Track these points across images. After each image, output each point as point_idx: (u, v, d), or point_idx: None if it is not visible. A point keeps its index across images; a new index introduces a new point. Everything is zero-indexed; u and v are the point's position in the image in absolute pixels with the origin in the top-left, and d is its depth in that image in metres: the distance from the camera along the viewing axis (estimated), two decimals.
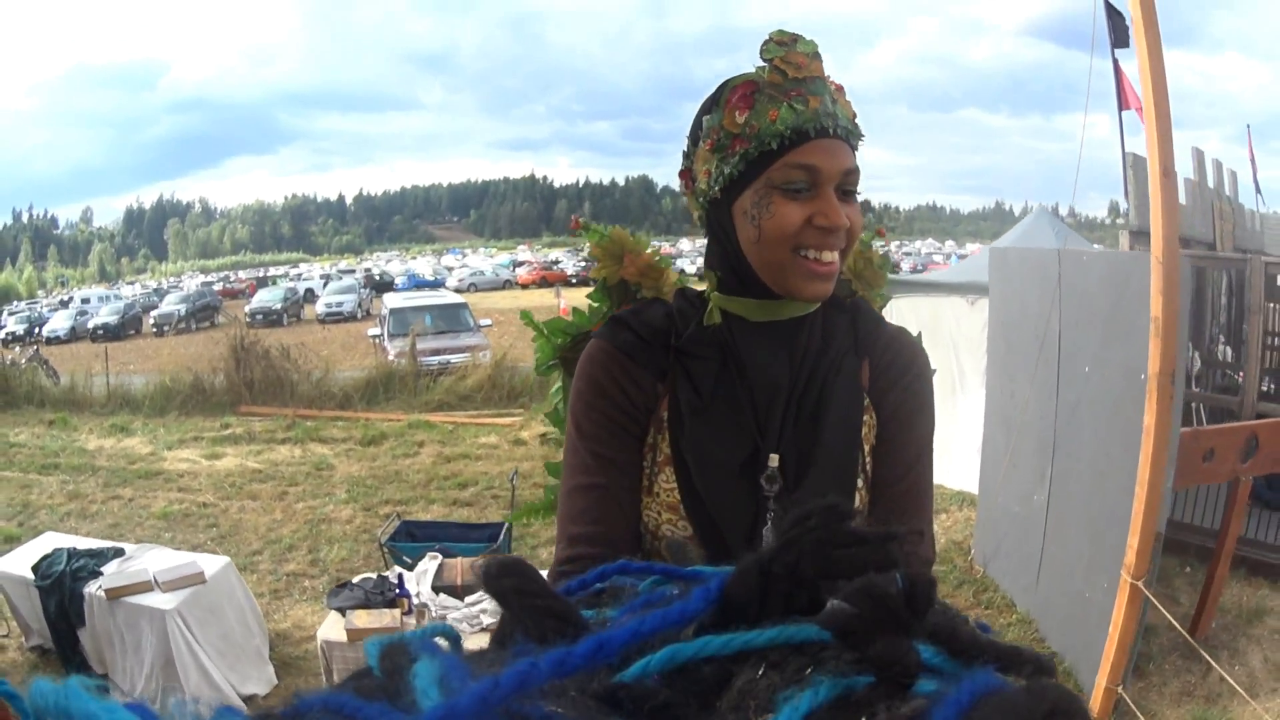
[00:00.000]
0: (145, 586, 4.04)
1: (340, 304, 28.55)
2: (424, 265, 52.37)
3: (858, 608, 0.35)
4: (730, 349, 1.19)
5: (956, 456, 6.36)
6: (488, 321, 16.02)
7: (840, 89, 1.15)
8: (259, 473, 8.43)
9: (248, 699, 4.20)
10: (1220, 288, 6.74)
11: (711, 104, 1.16)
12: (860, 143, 1.16)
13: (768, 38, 1.13)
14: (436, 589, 3.92)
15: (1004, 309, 5.35)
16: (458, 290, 34.15)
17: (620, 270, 1.56)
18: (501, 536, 5.29)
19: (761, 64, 1.13)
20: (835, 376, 1.20)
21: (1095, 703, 3.02)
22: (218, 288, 39.94)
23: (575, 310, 1.70)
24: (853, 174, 1.13)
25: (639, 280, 1.56)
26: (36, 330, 26.57)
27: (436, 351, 13.10)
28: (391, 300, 17.35)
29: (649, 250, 1.58)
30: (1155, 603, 3.03)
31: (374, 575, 4.13)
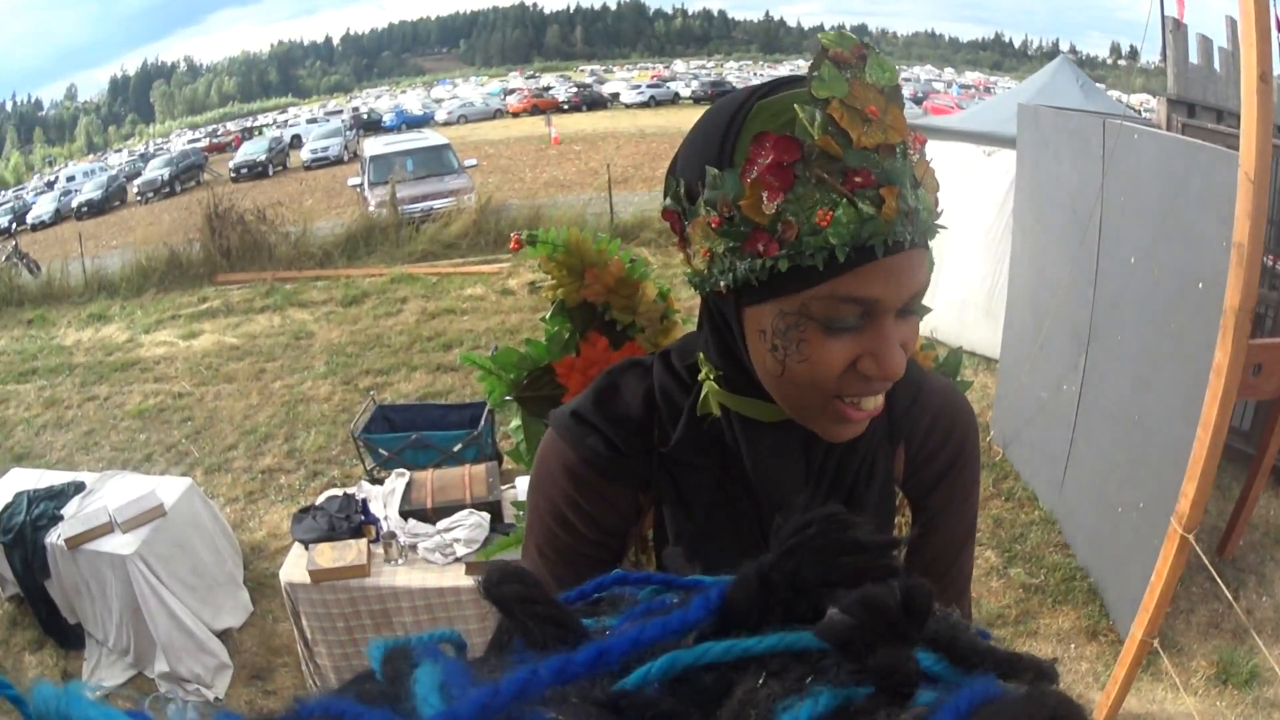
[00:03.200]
0: (104, 529, 3.77)
1: (326, 149, 27.60)
2: (413, 100, 50.68)
3: (856, 618, 0.33)
4: (731, 454, 0.93)
5: (969, 316, 6.03)
6: (472, 161, 15.34)
7: (922, 151, 0.78)
8: (236, 349, 8.08)
9: (223, 634, 4.00)
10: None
11: (720, 146, 0.78)
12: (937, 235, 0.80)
13: (820, 47, 0.73)
14: (405, 513, 3.55)
15: (1034, 175, 4.71)
16: (446, 124, 33.01)
17: (582, 289, 1.28)
18: (483, 420, 4.97)
19: (806, 104, 0.72)
20: (865, 482, 0.95)
21: (1128, 654, 2.71)
22: (203, 144, 38.89)
23: (528, 341, 1.38)
24: (919, 295, 0.80)
25: (607, 300, 1.29)
26: (20, 222, 25.93)
27: (419, 198, 12.48)
28: (371, 146, 16.58)
29: (616, 256, 1.30)
30: (1206, 561, 2.69)
31: (340, 494, 3.77)
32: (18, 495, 4.14)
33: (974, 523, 1.07)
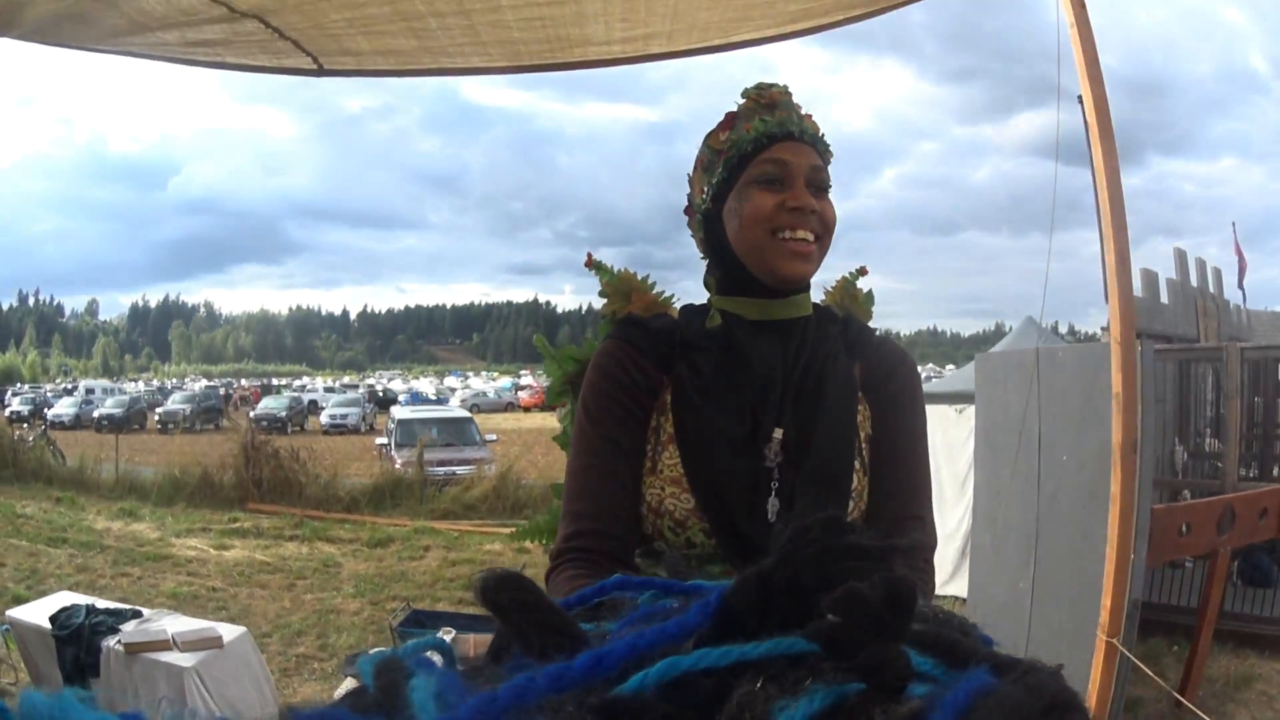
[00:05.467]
0: (164, 645, 4.05)
1: (345, 416, 28.67)
2: (426, 385, 52.58)
3: (840, 616, 0.36)
4: (731, 342, 1.32)
5: (948, 565, 6.57)
6: (493, 436, 16.27)
7: (809, 116, 1.36)
8: (267, 565, 8.52)
9: None
10: (1206, 383, 7.02)
11: (707, 138, 1.39)
12: (830, 157, 1.35)
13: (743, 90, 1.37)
14: None
15: (989, 412, 5.63)
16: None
17: (628, 305, 1.65)
18: None
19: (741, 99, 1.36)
20: (831, 365, 1.32)
21: None
22: (221, 392, 40.12)
23: (586, 340, 1.82)
24: (820, 171, 1.31)
25: (645, 314, 1.62)
26: (43, 411, 26.60)
27: (443, 463, 13.30)
28: (400, 412, 17.63)
29: (653, 292, 1.69)
30: (1133, 658, 3.15)
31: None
32: (75, 604, 4.42)
33: (923, 434, 1.40)
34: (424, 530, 10.29)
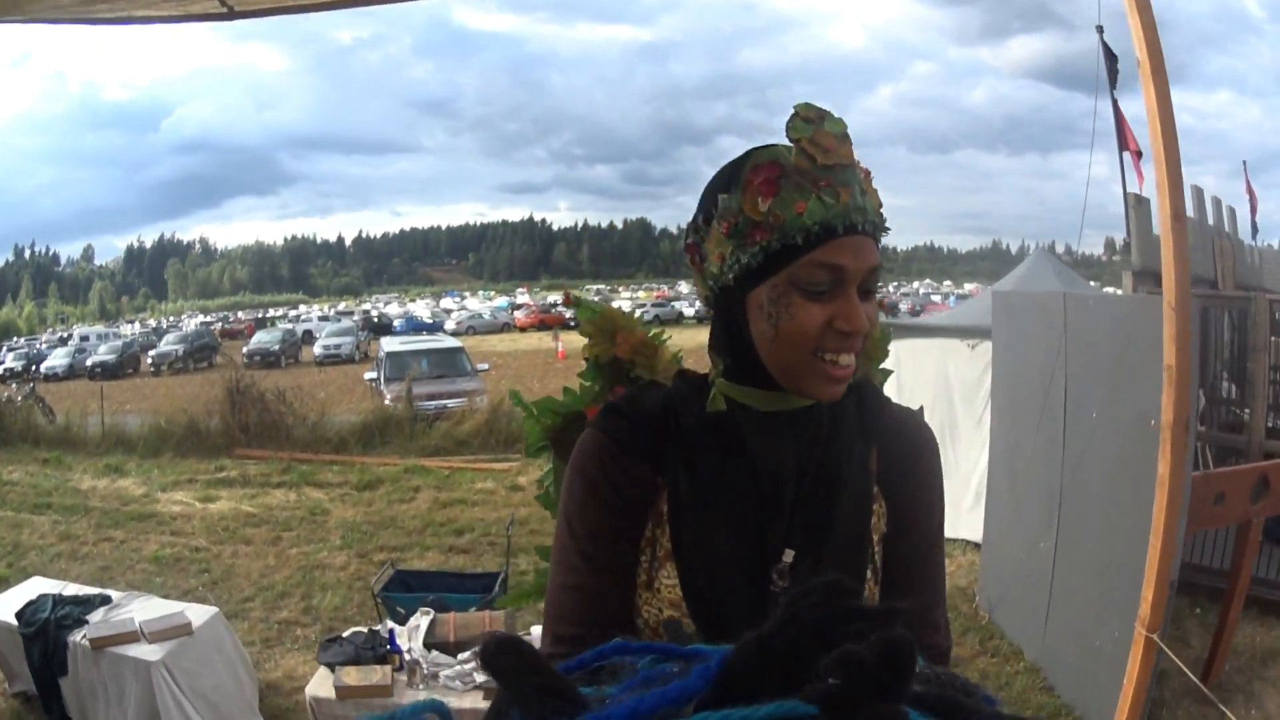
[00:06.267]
0: (131, 636, 3.94)
1: (338, 346, 28.55)
2: (422, 308, 52.35)
3: (838, 678, 0.34)
4: (735, 438, 1.14)
5: (956, 503, 6.30)
6: (485, 366, 16.05)
7: (868, 175, 1.11)
8: (253, 516, 8.39)
9: None
10: (1223, 325, 6.77)
11: (729, 180, 1.08)
12: (885, 235, 1.12)
13: (794, 112, 1.05)
14: (428, 645, 3.85)
15: (1008, 355, 5.32)
16: (455, 333, 34.17)
17: (613, 348, 1.51)
18: (497, 587, 5.22)
19: (787, 144, 1.06)
20: (846, 464, 1.15)
21: None
22: (216, 328, 39.98)
23: (566, 390, 1.64)
24: (876, 272, 1.08)
25: (632, 358, 1.51)
26: (35, 367, 26.46)
27: (433, 396, 13.12)
28: (388, 344, 17.38)
29: (641, 329, 1.55)
30: (1171, 655, 2.96)
31: (365, 629, 4.06)
32: (43, 595, 4.31)
33: (940, 533, 1.24)
34: (414, 470, 10.12)
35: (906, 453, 1.21)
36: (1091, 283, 8.21)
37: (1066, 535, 4.38)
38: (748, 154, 1.09)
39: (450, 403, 12.87)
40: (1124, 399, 3.77)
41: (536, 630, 3.89)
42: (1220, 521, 4.10)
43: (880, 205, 1.11)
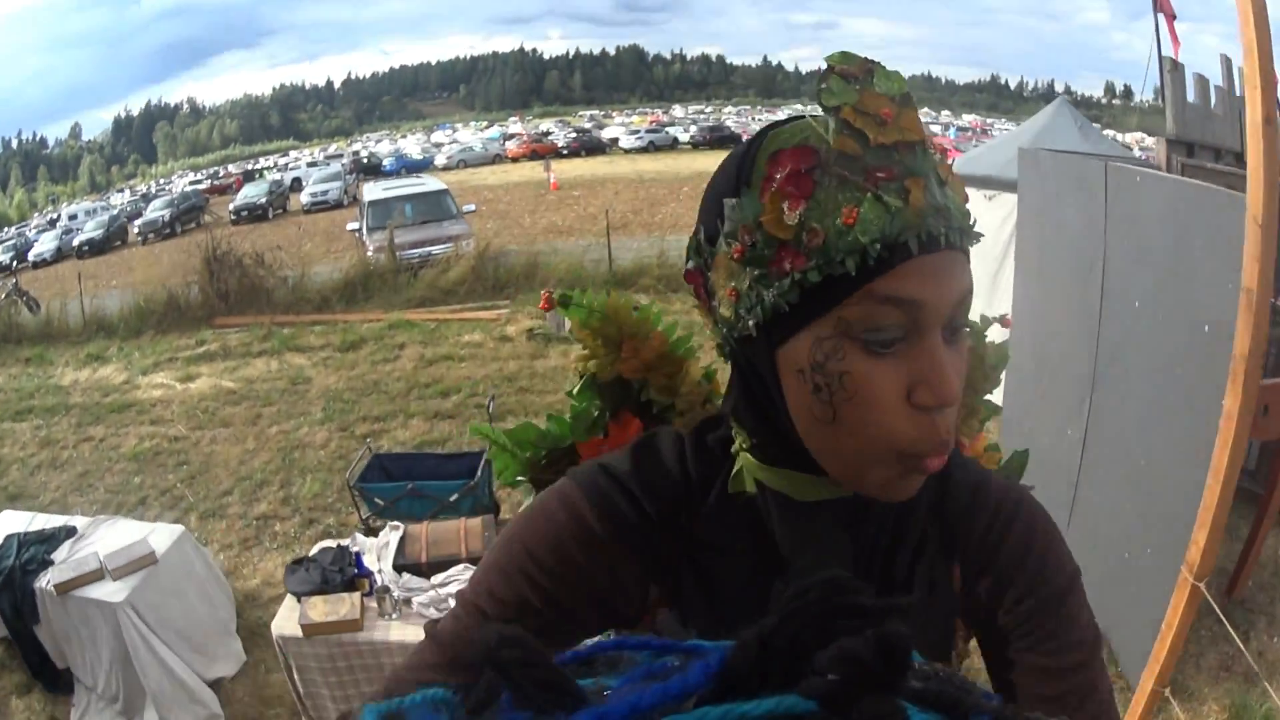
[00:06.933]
0: (95, 576, 3.75)
1: (325, 193, 27.71)
2: (413, 144, 51.03)
3: (834, 673, 0.33)
4: (766, 538, 0.80)
5: None
6: (471, 207, 15.39)
7: (945, 156, 0.72)
8: (232, 394, 8.08)
9: (215, 683, 3.96)
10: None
11: (739, 173, 0.72)
12: (977, 242, 0.73)
13: (825, 66, 0.69)
14: (399, 567, 3.55)
15: (1036, 220, 4.72)
16: (446, 168, 33.26)
17: (619, 364, 1.07)
18: (479, 470, 4.95)
19: (818, 113, 0.69)
20: (919, 582, 0.82)
21: (1139, 704, 2.67)
22: (205, 186, 39.11)
23: (551, 418, 1.20)
24: (967, 300, 0.71)
25: (645, 376, 1.08)
26: (22, 259, 25.94)
27: (417, 244, 12.54)
28: (370, 192, 16.67)
29: (659, 329, 1.09)
30: (1218, 609, 2.65)
31: (333, 545, 3.77)
32: (8, 538, 4.12)
33: (1095, 643, 0.86)
34: (399, 325, 9.71)
35: (1010, 566, 0.84)
36: (1095, 125, 7.58)
37: (1097, 428, 3.94)
38: (762, 133, 0.73)
39: (435, 249, 12.30)
40: (1172, 294, 3.25)
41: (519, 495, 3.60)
42: (1264, 434, 3.69)
43: (966, 199, 0.73)
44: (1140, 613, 3.30)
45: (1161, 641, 2.53)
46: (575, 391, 1.14)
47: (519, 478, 1.21)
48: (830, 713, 0.33)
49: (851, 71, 0.68)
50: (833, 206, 0.66)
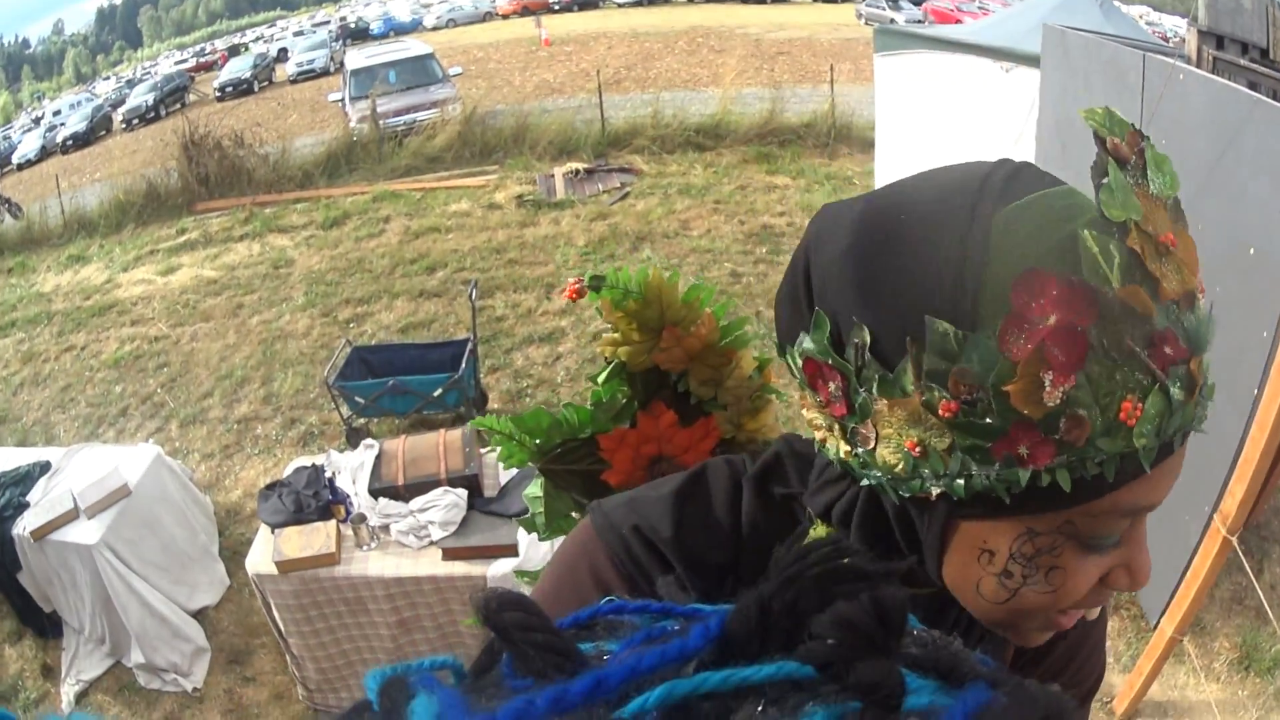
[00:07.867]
0: (69, 516, 3.63)
1: (311, 61, 26.87)
2: (401, 6, 49.38)
3: (831, 637, 0.34)
4: None
5: None
6: (457, 70, 14.65)
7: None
8: (214, 283, 7.74)
9: (199, 613, 3.83)
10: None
11: (956, 283, 0.51)
12: None
13: (1093, 132, 0.51)
14: (375, 491, 3.26)
15: (1061, 104, 4.22)
16: (435, 28, 32.05)
17: (656, 354, 0.94)
18: (464, 360, 4.63)
19: (1095, 229, 0.49)
20: None
21: (1156, 649, 2.55)
22: (190, 65, 38.09)
23: (569, 406, 1.05)
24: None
25: (685, 367, 0.96)
26: (6, 163, 25.32)
27: (401, 111, 11.92)
28: (353, 59, 15.93)
29: (709, 310, 0.94)
30: (1245, 563, 2.51)
31: (308, 466, 3.51)
32: None
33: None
34: (383, 197, 9.21)
35: (1059, 660, 0.79)
36: (1115, 2, 6.91)
37: None
38: (988, 214, 0.52)
39: (421, 115, 11.67)
40: (1216, 210, 2.82)
41: (490, 459, 3.33)
42: None
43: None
44: (1160, 548, 3.01)
45: (1186, 589, 2.40)
46: (600, 379, 1.00)
47: (528, 467, 1.09)
48: (828, 677, 0.33)
49: (1124, 153, 0.51)
50: (1108, 390, 0.50)
